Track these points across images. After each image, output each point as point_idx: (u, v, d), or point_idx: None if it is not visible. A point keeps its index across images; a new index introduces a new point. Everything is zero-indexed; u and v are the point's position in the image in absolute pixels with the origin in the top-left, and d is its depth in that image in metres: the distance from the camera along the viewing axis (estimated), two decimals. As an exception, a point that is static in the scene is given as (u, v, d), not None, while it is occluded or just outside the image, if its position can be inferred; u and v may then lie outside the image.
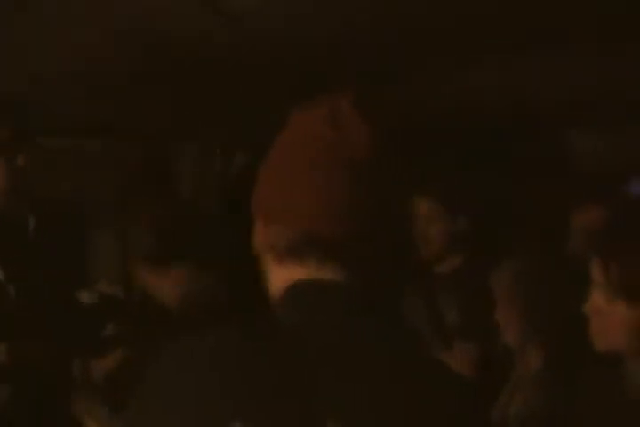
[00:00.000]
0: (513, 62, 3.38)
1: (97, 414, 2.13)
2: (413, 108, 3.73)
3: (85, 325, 3.20)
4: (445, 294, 2.95)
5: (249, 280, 1.32)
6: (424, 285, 3.02)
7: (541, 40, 3.20)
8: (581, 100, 3.76)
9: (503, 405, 2.25)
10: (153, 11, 2.87)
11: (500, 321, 2.34)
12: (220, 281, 3.02)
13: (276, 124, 1.23)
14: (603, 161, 4.13)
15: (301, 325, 1.08)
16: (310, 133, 1.14)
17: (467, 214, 3.02)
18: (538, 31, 3.14)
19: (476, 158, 4.07)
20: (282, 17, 2.93)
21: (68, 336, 2.66)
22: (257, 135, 1.24)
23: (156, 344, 1.13)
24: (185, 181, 4.76)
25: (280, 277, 1.14)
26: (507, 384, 2.33)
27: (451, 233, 3.01)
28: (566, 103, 3.84)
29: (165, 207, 3.58)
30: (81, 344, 2.71)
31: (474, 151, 4.17)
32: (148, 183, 4.52)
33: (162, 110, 4.14)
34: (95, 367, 2.65)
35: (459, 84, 3.60)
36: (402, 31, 3.10)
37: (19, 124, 2.39)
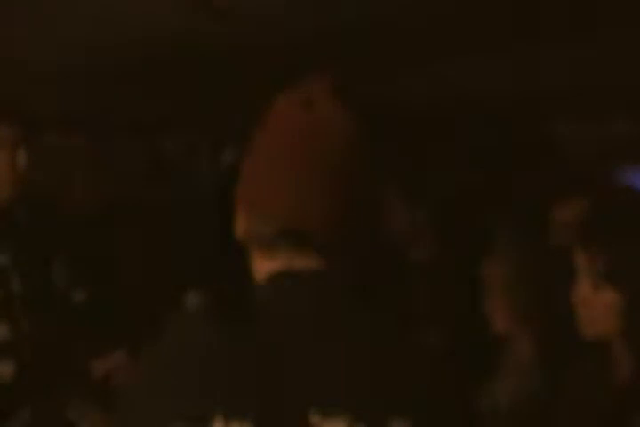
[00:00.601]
0: (506, 55, 3.41)
1: (90, 416, 2.13)
2: (406, 99, 3.76)
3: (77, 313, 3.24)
4: (417, 281, 2.98)
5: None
6: (398, 272, 3.05)
7: (534, 34, 3.23)
8: (572, 92, 3.78)
9: (492, 392, 2.28)
10: (152, 8, 2.91)
11: (490, 309, 2.37)
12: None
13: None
14: (590, 152, 4.14)
15: (278, 311, 1.09)
16: (287, 120, 1.14)
17: (425, 207, 3.09)
18: (531, 26, 3.17)
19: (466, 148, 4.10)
20: (280, 15, 2.97)
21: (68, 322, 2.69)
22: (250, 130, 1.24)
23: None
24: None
25: (260, 266, 1.16)
26: (496, 371, 2.36)
27: (410, 222, 3.07)
28: (557, 95, 3.86)
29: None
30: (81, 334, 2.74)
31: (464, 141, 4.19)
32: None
33: (160, 105, 4.16)
34: (95, 367, 2.67)
35: (450, 76, 3.63)
36: (397, 24, 3.13)
37: (23, 120, 2.39)
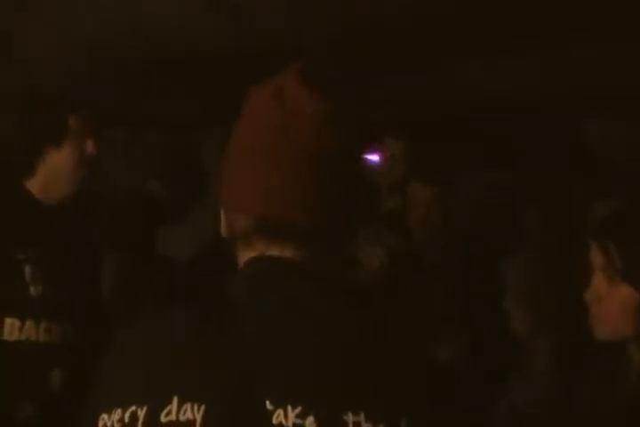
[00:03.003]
0: (531, 52, 3.38)
1: None
2: (430, 96, 3.75)
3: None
4: (437, 280, 2.96)
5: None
6: (415, 270, 3.02)
7: (562, 28, 3.21)
8: (601, 88, 3.73)
9: (508, 393, 2.27)
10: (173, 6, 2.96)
11: (510, 309, 2.35)
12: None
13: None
14: (621, 148, 4.08)
15: (246, 298, 1.10)
16: (258, 112, 1.15)
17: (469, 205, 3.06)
18: (557, 20, 3.15)
19: (492, 147, 4.07)
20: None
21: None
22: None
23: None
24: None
25: (240, 259, 1.17)
26: (513, 372, 2.35)
27: (447, 220, 3.05)
28: (586, 92, 3.82)
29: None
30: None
31: (489, 140, 4.17)
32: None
33: (188, 96, 4.19)
34: None
35: (474, 73, 3.61)
36: (410, 24, 3.13)
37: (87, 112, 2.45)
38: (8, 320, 2.26)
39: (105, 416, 1.06)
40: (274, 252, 1.13)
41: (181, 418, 1.01)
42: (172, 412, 1.02)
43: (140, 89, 3.90)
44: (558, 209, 3.75)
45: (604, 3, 2.91)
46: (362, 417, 1.00)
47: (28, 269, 2.32)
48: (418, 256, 3.05)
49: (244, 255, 1.16)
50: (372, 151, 3.62)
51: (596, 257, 1.79)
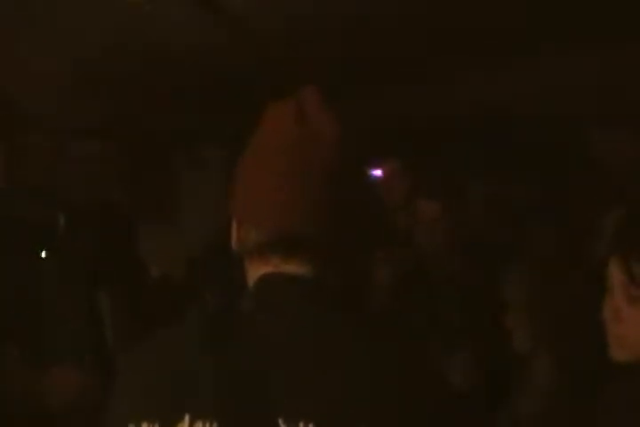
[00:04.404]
0: (529, 63, 3.38)
1: None
2: (429, 107, 3.75)
3: None
4: (446, 296, 2.94)
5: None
6: (425, 286, 3.01)
7: (561, 39, 3.21)
8: (604, 98, 3.73)
9: (511, 406, 2.24)
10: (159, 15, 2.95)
11: (511, 325, 2.33)
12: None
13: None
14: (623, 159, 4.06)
15: (261, 316, 1.11)
16: (278, 130, 1.17)
17: (471, 219, 3.04)
18: (557, 32, 3.15)
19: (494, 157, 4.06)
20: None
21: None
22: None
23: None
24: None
25: (252, 274, 1.18)
26: (514, 391, 2.32)
27: (456, 235, 3.02)
28: (589, 102, 3.81)
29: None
30: None
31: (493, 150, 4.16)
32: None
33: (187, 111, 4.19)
34: None
35: (474, 83, 3.61)
36: (414, 31, 3.13)
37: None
38: None
39: None
40: (290, 267, 1.14)
41: None
42: None
43: (139, 102, 3.90)
44: (558, 222, 3.74)
45: (604, 14, 2.91)
46: None
47: None
48: (427, 272, 3.04)
49: (257, 270, 1.17)
50: (373, 167, 3.63)
51: (616, 273, 1.66)
